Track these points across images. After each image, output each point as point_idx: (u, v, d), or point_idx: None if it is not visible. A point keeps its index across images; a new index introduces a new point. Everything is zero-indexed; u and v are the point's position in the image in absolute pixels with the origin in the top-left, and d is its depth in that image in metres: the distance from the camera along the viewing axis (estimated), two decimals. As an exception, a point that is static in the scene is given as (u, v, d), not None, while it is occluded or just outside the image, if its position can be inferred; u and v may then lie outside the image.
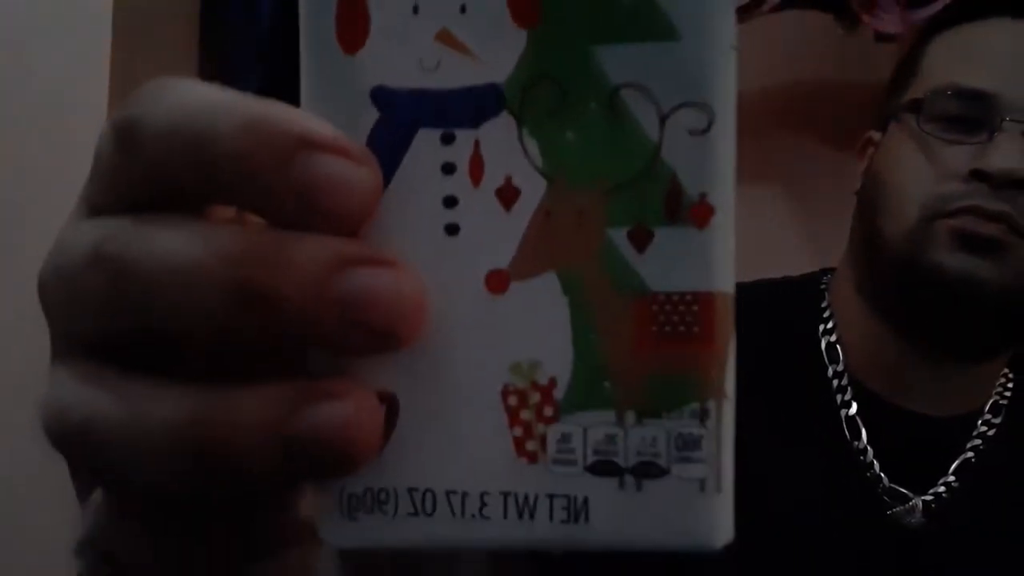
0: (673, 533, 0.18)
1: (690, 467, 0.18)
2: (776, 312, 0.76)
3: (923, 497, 0.69)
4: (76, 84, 0.69)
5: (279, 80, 0.94)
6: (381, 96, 0.19)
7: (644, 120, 0.18)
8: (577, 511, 0.18)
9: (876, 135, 0.75)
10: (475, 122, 0.18)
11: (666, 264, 0.18)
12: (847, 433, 0.70)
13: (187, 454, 0.17)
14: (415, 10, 0.18)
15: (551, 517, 0.18)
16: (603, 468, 0.18)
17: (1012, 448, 0.72)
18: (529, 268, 0.18)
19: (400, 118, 0.19)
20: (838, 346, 0.74)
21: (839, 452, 0.71)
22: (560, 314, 0.18)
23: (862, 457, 0.70)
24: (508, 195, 0.18)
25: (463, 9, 0.18)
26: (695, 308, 0.19)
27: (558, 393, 0.18)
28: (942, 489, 0.69)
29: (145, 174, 0.18)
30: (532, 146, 0.18)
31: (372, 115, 0.19)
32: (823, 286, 0.79)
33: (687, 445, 0.18)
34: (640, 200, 0.18)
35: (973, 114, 0.66)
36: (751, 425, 0.80)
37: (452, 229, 0.19)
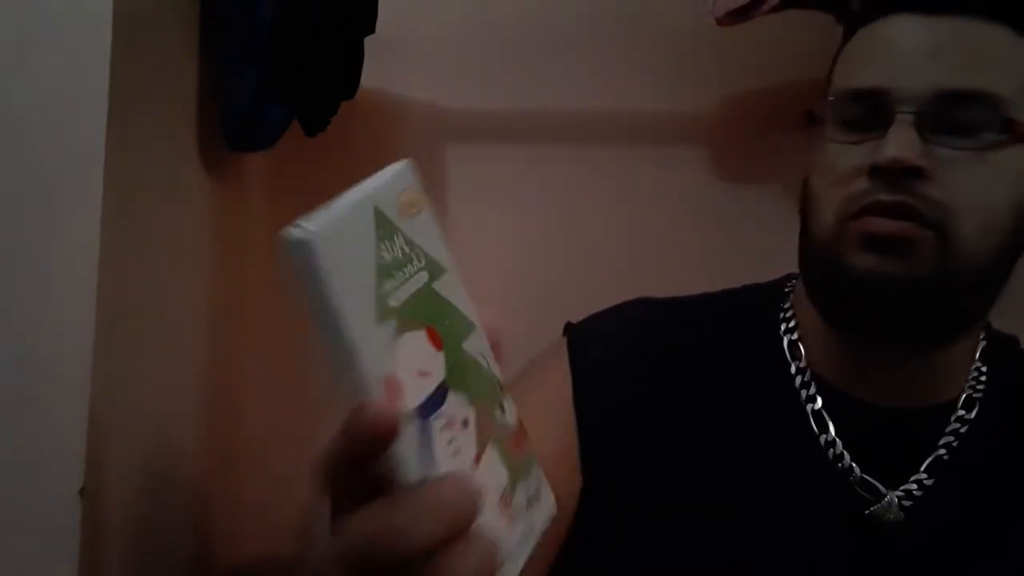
0: None
1: None
2: (739, 318, 0.80)
3: (896, 493, 0.70)
4: (76, 84, 0.69)
5: (278, 80, 0.94)
6: None
7: None
8: None
9: None
10: None
11: None
12: (815, 427, 0.72)
13: None
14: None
15: None
16: None
17: (987, 444, 0.72)
18: None
19: None
20: (799, 344, 0.77)
21: (808, 446, 0.72)
22: None
23: (832, 450, 0.71)
24: None
25: None
26: None
27: None
28: (914, 486, 0.70)
29: None
30: None
31: None
32: (787, 289, 0.82)
33: None
34: None
35: (869, 112, 0.68)
36: (725, 427, 0.83)
37: None
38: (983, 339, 0.77)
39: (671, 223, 1.19)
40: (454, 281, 0.41)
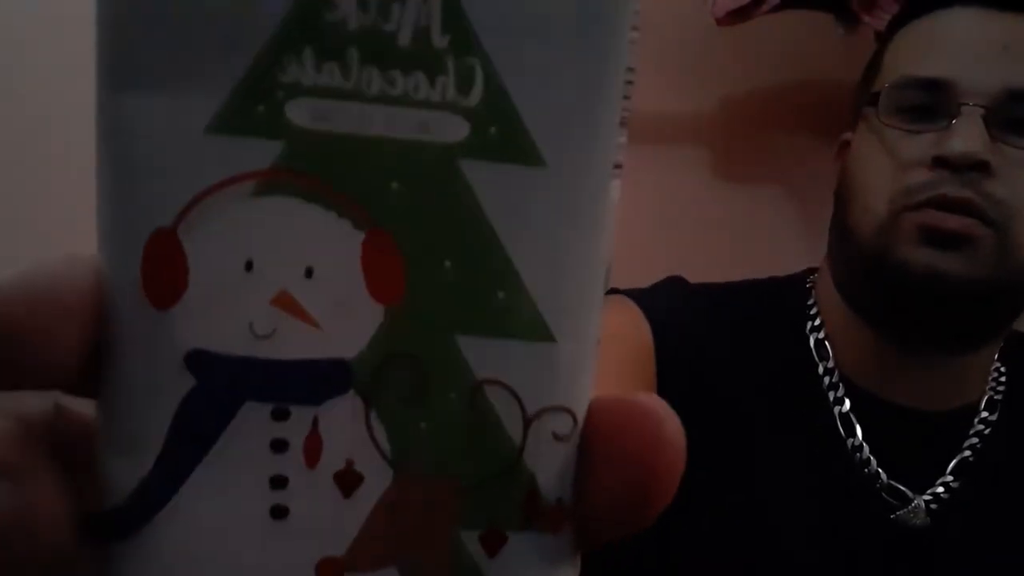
0: None
1: None
2: (766, 312, 0.76)
3: (923, 497, 0.69)
4: (76, 84, 0.69)
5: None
6: (198, 361, 0.16)
7: (507, 420, 0.17)
8: None
9: (850, 135, 0.75)
10: (315, 399, 0.16)
11: (517, 570, 0.17)
12: (841, 430, 0.70)
13: None
14: (248, 266, 0.16)
15: None
16: None
17: (1010, 445, 0.71)
18: (368, 561, 0.17)
19: (221, 388, 0.16)
20: (827, 343, 0.74)
21: (835, 450, 0.70)
22: None
23: (858, 454, 0.70)
24: (349, 480, 0.17)
25: (309, 273, 0.16)
26: None
27: None
28: (940, 489, 0.69)
29: None
30: (380, 431, 0.17)
31: (186, 382, 0.16)
32: (809, 284, 0.79)
33: None
34: (497, 503, 0.17)
35: (931, 103, 0.66)
36: (747, 427, 0.80)
37: (279, 511, 0.17)
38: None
39: (671, 223, 1.19)
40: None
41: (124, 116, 0.16)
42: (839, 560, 0.67)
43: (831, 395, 0.72)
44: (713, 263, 1.18)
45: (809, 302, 0.77)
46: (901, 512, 0.69)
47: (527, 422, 0.17)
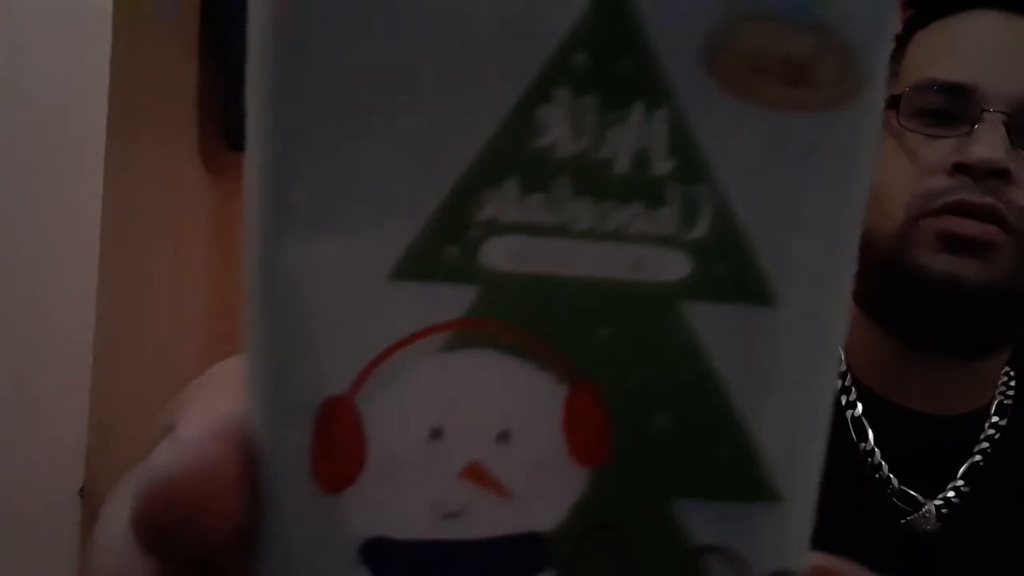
0: None
1: None
2: None
3: (934, 502, 0.69)
4: (76, 84, 0.69)
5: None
6: (376, 551, 0.14)
7: None
8: None
9: None
10: None
11: None
12: (853, 435, 0.70)
13: None
14: (435, 434, 0.14)
15: None
16: None
17: (1020, 449, 0.71)
18: None
19: None
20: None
21: (847, 454, 0.70)
22: None
23: (870, 459, 0.70)
24: None
25: (503, 436, 0.14)
26: None
27: None
28: (951, 494, 0.69)
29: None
30: None
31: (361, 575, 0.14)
32: None
33: None
34: None
35: (953, 107, 0.66)
36: None
37: None
38: None
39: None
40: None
41: (290, 264, 0.13)
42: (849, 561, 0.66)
43: (843, 399, 0.72)
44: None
45: None
46: (912, 517, 0.69)
47: None
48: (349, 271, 0.13)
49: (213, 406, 0.14)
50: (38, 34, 0.66)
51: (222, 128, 0.95)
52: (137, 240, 0.76)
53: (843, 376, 0.72)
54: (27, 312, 0.65)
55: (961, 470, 0.70)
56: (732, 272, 0.14)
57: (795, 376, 0.15)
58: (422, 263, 0.13)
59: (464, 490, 0.14)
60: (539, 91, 0.13)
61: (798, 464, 0.15)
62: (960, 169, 0.64)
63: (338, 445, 0.13)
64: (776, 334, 0.15)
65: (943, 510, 0.69)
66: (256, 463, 0.14)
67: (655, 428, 0.14)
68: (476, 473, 0.14)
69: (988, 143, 0.62)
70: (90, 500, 0.67)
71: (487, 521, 0.14)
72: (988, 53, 0.66)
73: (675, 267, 0.14)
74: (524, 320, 0.14)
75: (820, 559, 0.17)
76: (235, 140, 0.96)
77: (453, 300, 0.14)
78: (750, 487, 0.15)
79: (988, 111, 0.63)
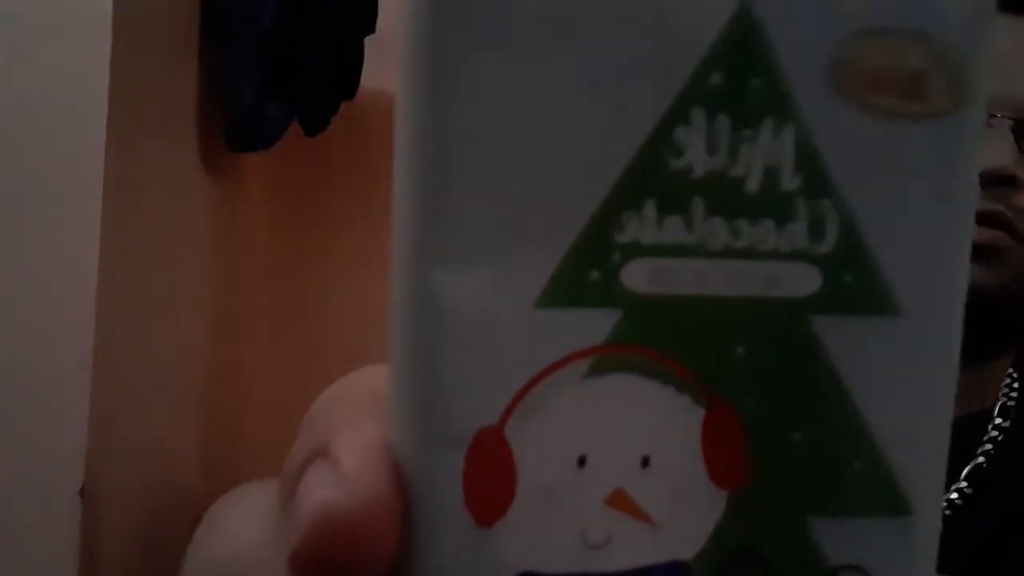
0: None
1: None
2: None
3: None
4: (76, 84, 0.69)
5: (278, 80, 0.94)
6: None
7: None
8: None
9: None
10: None
11: None
12: None
13: None
14: (581, 462, 0.14)
15: None
16: None
17: (1022, 451, 0.72)
18: None
19: None
20: None
21: None
22: None
23: None
24: None
25: (645, 461, 0.14)
26: None
27: None
28: (954, 495, 0.70)
29: None
30: None
31: None
32: None
33: None
34: None
35: None
36: None
37: None
38: None
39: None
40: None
41: (442, 297, 0.13)
42: None
43: None
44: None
45: None
46: None
47: None
48: (499, 301, 0.13)
49: (366, 430, 0.14)
50: (38, 34, 0.66)
51: (222, 128, 0.95)
52: (137, 240, 0.76)
53: None
54: (27, 311, 0.65)
55: (964, 472, 0.70)
56: (859, 284, 0.14)
57: (921, 386, 0.15)
58: (567, 289, 0.14)
59: (609, 518, 0.14)
60: (678, 112, 0.13)
61: (926, 475, 0.15)
62: None
63: (491, 477, 0.13)
64: (902, 345, 0.15)
65: (946, 511, 0.70)
66: (409, 495, 0.14)
67: (791, 446, 0.14)
68: (620, 500, 0.14)
69: (996, 150, 0.62)
70: (90, 500, 0.67)
71: (631, 550, 0.14)
72: (994, 58, 0.66)
73: (806, 282, 0.14)
74: (663, 342, 0.14)
75: None
76: (235, 140, 0.96)
77: (596, 325, 0.14)
78: (883, 502, 0.15)
79: (995, 117, 0.64)
